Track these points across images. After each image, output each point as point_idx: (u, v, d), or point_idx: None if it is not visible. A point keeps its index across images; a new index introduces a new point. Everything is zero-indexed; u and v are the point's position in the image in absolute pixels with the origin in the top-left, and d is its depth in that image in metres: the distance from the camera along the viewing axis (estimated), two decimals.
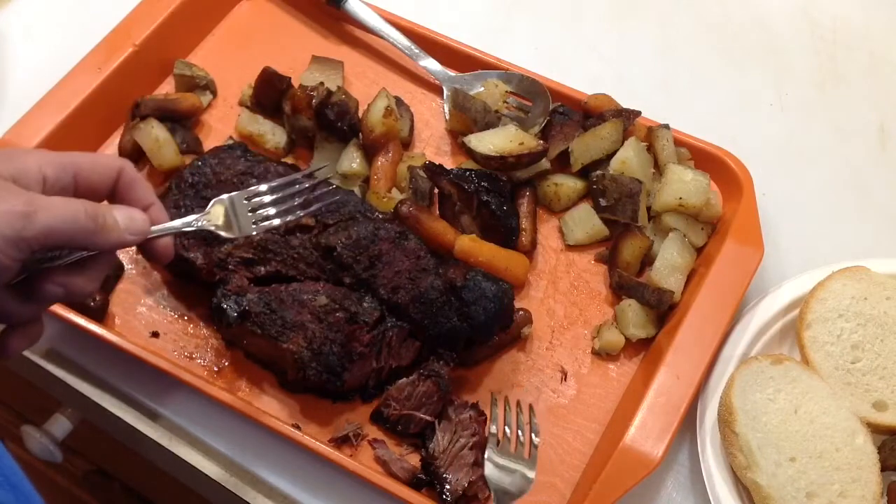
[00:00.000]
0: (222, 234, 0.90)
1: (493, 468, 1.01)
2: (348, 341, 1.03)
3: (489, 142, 1.19)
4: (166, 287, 1.16)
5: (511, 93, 1.29)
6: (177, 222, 0.86)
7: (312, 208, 0.98)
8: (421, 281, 1.07)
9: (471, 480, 1.01)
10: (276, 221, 0.93)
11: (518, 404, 1.08)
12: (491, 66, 1.31)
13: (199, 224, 0.88)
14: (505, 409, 1.06)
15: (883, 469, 1.01)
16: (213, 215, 0.90)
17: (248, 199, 0.93)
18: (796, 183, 1.30)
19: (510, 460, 1.02)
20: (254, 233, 0.93)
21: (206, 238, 1.09)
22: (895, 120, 1.36)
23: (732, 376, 1.03)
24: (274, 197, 0.95)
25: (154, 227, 0.83)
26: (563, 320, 1.16)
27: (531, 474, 1.02)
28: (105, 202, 0.81)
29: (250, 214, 0.92)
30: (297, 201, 0.96)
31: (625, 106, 1.25)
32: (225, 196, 0.92)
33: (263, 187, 0.95)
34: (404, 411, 1.05)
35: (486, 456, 1.02)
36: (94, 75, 1.24)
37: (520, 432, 1.04)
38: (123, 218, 0.79)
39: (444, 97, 1.31)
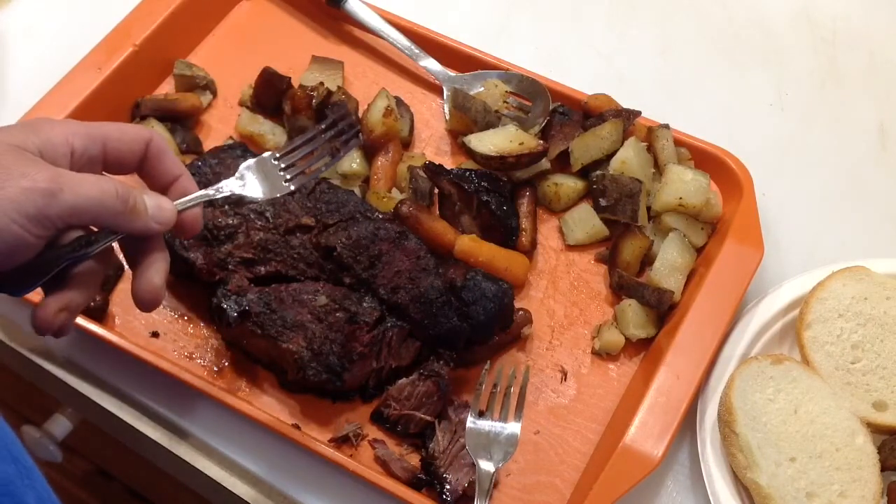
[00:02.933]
0: (254, 196, 0.88)
1: (475, 440, 1.01)
2: (348, 341, 1.03)
3: (489, 142, 1.19)
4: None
5: (511, 93, 1.29)
6: (208, 190, 0.84)
7: (341, 154, 0.96)
8: (421, 281, 1.07)
9: (471, 480, 1.01)
10: (306, 177, 0.90)
11: (513, 372, 1.07)
12: (491, 66, 1.31)
13: (229, 189, 0.86)
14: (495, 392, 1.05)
15: (883, 469, 1.01)
16: (243, 179, 0.88)
17: (276, 158, 0.90)
18: (796, 183, 1.30)
19: (493, 424, 1.02)
20: (290, 189, 0.89)
21: (206, 238, 1.09)
22: (895, 120, 1.36)
23: (732, 376, 1.03)
24: (302, 152, 0.92)
25: (183, 199, 0.82)
26: (563, 320, 1.16)
27: (517, 429, 1.01)
28: (135, 186, 0.80)
29: (281, 174, 0.90)
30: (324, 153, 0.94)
31: (625, 106, 1.25)
32: (252, 160, 0.90)
33: (288, 146, 0.92)
34: (404, 411, 1.05)
35: (465, 427, 1.01)
36: (94, 75, 1.24)
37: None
38: (152, 205, 0.78)
39: (444, 97, 1.31)
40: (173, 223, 0.80)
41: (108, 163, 0.80)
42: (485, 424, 1.02)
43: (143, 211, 0.77)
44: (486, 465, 0.99)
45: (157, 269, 0.80)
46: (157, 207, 0.78)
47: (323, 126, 0.97)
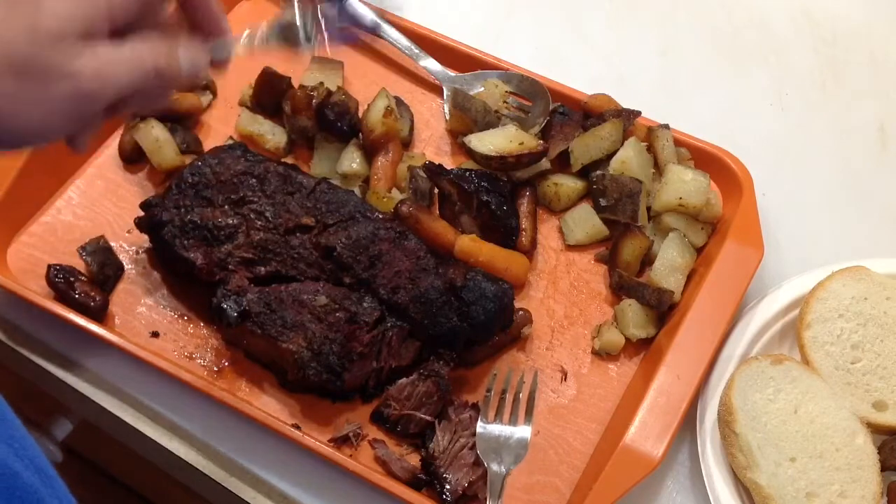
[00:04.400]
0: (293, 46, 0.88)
1: (485, 444, 1.01)
2: (348, 341, 1.03)
3: (489, 142, 1.19)
4: (166, 287, 1.16)
5: (511, 93, 1.29)
6: (234, 48, 0.85)
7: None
8: (421, 281, 1.07)
9: (471, 480, 1.01)
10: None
11: (522, 376, 1.07)
12: (491, 66, 1.31)
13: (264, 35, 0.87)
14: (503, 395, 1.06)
15: (883, 469, 1.01)
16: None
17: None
18: (796, 183, 1.30)
19: (503, 428, 1.02)
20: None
21: (206, 238, 1.09)
22: (895, 120, 1.36)
23: (732, 376, 1.03)
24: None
25: (218, 45, 0.83)
26: (563, 320, 1.16)
27: (527, 433, 1.01)
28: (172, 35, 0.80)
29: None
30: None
31: (625, 106, 1.25)
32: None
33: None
34: (404, 411, 1.05)
35: (476, 432, 1.01)
36: None
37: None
38: (186, 61, 0.78)
39: (444, 97, 1.31)
40: (201, 71, 0.82)
41: (150, 10, 0.79)
42: (495, 428, 1.02)
43: (178, 74, 0.78)
44: (497, 469, 0.99)
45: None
46: (192, 65, 0.79)
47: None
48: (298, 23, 0.89)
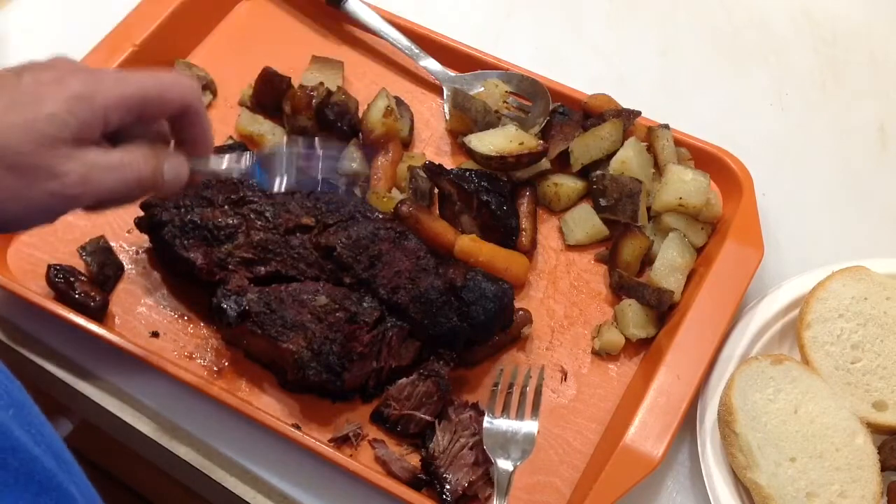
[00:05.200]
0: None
1: (492, 440, 1.01)
2: (348, 341, 1.03)
3: (489, 142, 1.19)
4: (166, 287, 1.16)
5: (511, 93, 1.29)
6: (217, 167, 0.87)
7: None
8: (421, 281, 1.07)
9: (471, 480, 1.01)
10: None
11: (528, 371, 1.07)
12: (491, 66, 1.31)
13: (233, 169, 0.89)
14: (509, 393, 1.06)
15: (883, 469, 1.01)
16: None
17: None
18: (796, 183, 1.30)
19: (511, 423, 1.02)
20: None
21: (206, 238, 1.09)
22: (895, 120, 1.36)
23: (732, 376, 1.03)
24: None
25: (200, 167, 0.85)
26: (563, 320, 1.16)
27: (534, 428, 1.01)
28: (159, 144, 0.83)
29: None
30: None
31: (625, 106, 1.25)
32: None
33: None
34: (404, 411, 1.05)
35: (483, 427, 1.01)
36: None
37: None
38: (170, 175, 0.80)
39: (444, 97, 1.31)
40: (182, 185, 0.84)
41: (143, 121, 0.81)
42: (502, 424, 1.02)
43: (160, 186, 0.80)
44: (505, 465, 0.99)
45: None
46: (175, 177, 0.81)
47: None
48: (281, 163, 0.91)
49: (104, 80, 0.76)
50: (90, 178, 0.74)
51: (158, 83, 0.80)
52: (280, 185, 0.90)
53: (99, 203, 0.78)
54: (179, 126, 0.84)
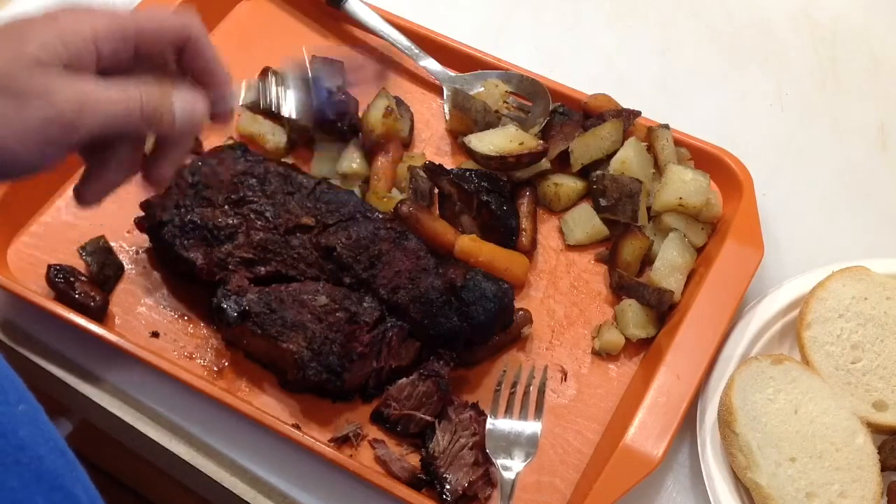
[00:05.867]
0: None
1: (494, 443, 1.00)
2: (348, 341, 1.03)
3: (489, 142, 1.19)
4: (166, 287, 1.16)
5: (511, 93, 1.29)
6: (241, 94, 0.84)
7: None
8: (421, 281, 1.07)
9: (471, 480, 1.01)
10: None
11: (532, 371, 1.06)
12: (491, 66, 1.31)
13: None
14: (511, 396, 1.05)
15: (883, 469, 1.01)
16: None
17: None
18: (796, 183, 1.30)
19: (514, 424, 1.01)
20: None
21: (206, 238, 1.09)
22: (895, 120, 1.36)
23: (732, 376, 1.03)
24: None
25: (218, 99, 0.80)
26: (563, 320, 1.16)
27: (538, 428, 1.01)
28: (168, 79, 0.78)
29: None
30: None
31: (625, 106, 1.25)
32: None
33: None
34: (404, 411, 1.05)
35: (486, 427, 1.01)
36: None
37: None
38: (181, 113, 0.75)
39: (444, 97, 1.31)
40: (201, 129, 0.79)
41: (140, 58, 0.77)
42: (505, 425, 1.02)
43: (170, 122, 0.75)
44: (508, 473, 0.98)
45: (170, 160, 0.80)
46: (187, 114, 0.76)
47: None
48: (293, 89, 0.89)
49: (96, 13, 0.74)
50: (86, 104, 0.70)
51: (154, 14, 0.77)
52: (300, 108, 0.88)
53: (100, 138, 0.72)
54: (186, 62, 0.79)
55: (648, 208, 1.19)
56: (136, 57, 0.77)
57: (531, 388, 1.04)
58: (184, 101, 0.76)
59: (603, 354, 1.13)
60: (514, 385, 1.05)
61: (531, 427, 1.01)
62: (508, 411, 1.02)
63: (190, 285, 1.13)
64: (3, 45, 0.70)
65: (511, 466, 0.98)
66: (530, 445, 1.00)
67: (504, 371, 1.07)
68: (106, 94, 0.72)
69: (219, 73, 0.81)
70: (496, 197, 1.16)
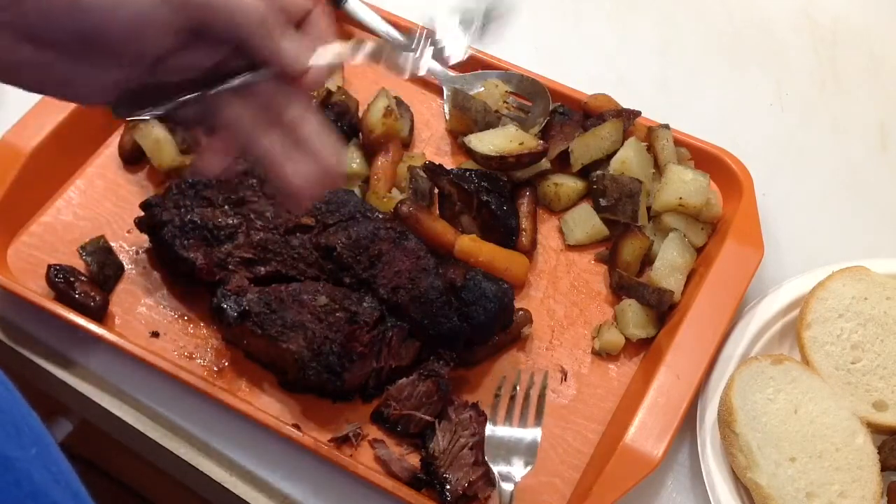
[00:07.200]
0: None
1: (494, 451, 1.00)
2: (348, 341, 1.03)
3: (489, 142, 1.19)
4: (166, 287, 1.16)
5: (511, 93, 1.29)
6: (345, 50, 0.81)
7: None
8: (421, 281, 1.07)
9: (471, 480, 1.01)
10: None
11: (532, 377, 1.06)
12: (491, 66, 1.31)
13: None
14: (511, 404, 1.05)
15: (883, 469, 1.01)
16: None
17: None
18: (796, 183, 1.30)
19: (514, 431, 1.01)
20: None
21: (206, 238, 1.09)
22: (895, 120, 1.36)
23: (732, 376, 1.03)
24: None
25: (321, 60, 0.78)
26: (563, 320, 1.16)
27: (538, 435, 1.00)
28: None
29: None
30: None
31: (625, 106, 1.25)
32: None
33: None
34: (404, 411, 1.05)
35: (485, 435, 1.01)
36: None
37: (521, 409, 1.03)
38: (291, 48, 0.74)
39: (444, 97, 1.31)
40: (304, 72, 0.76)
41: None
42: (504, 433, 1.02)
43: (277, 48, 0.73)
44: (507, 485, 0.97)
45: (326, 143, 0.78)
46: (295, 52, 0.74)
47: None
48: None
49: None
50: None
51: None
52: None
53: (213, 10, 0.70)
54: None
55: (648, 208, 1.19)
56: None
57: (531, 391, 1.04)
58: (296, 42, 0.75)
59: (603, 354, 1.13)
60: (515, 389, 1.04)
61: (531, 434, 1.01)
62: (508, 419, 1.02)
63: (190, 285, 1.13)
64: None
65: (510, 474, 0.98)
66: (529, 454, 1.00)
67: (504, 377, 1.07)
68: None
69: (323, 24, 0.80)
70: (496, 197, 1.16)
